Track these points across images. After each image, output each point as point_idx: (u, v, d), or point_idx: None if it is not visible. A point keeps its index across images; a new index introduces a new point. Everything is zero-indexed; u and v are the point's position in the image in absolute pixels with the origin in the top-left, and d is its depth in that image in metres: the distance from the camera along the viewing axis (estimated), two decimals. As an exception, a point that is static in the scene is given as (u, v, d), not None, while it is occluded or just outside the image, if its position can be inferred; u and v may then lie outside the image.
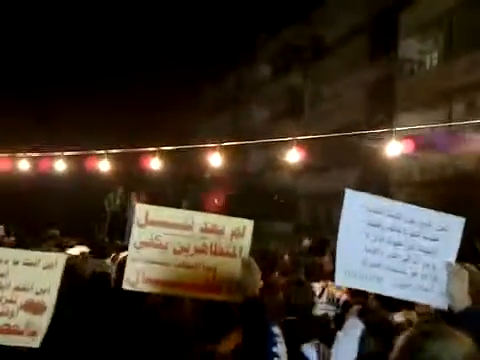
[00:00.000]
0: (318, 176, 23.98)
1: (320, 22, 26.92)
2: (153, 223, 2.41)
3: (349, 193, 2.27)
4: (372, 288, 2.28)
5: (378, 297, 3.50)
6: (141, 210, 2.42)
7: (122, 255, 4.95)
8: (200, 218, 2.43)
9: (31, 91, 20.82)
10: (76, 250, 6.84)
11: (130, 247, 2.38)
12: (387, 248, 2.23)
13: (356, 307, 3.14)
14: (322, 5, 26.56)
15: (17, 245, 8.05)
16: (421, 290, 2.23)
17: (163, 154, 8.67)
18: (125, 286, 2.36)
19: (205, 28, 27.65)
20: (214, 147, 7.97)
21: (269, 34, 30.91)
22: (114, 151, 9.35)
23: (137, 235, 2.40)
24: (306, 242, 15.60)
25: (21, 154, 10.66)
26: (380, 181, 21.02)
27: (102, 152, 9.43)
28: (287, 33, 29.42)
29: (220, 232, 2.40)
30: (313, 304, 3.66)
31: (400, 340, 1.74)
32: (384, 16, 22.91)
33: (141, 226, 2.40)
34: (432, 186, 19.03)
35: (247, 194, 23.41)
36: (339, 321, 3.78)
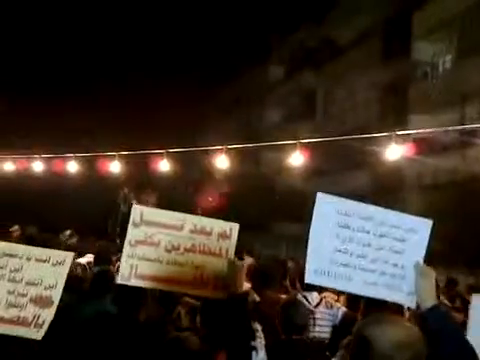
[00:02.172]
0: (328, 179, 24.01)
1: (333, 23, 26.95)
2: (147, 223, 2.60)
3: (320, 196, 2.39)
4: (341, 286, 2.36)
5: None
6: (136, 211, 2.62)
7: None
8: (190, 220, 2.61)
9: (43, 94, 21.16)
10: (85, 259, 6.97)
11: (125, 244, 2.58)
12: (357, 248, 2.33)
13: (346, 341, 3.16)
14: (335, 6, 26.61)
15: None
16: (389, 289, 2.31)
17: (170, 156, 8.85)
18: (119, 281, 2.55)
19: (218, 28, 27.83)
20: (221, 149, 8.12)
21: (282, 35, 31.01)
22: (124, 153, 9.56)
23: (132, 234, 2.59)
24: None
25: (36, 156, 10.92)
26: (390, 184, 21.04)
27: (113, 154, 9.65)
28: (300, 34, 29.48)
29: (208, 233, 2.59)
30: (307, 326, 3.74)
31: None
32: (397, 18, 22.87)
33: (136, 225, 2.60)
34: (443, 189, 19.01)
35: (254, 195, 23.52)
36: (333, 344, 3.79)
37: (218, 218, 2.57)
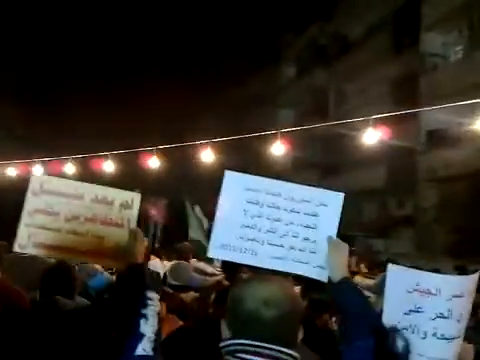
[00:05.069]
0: (345, 173, 23.78)
1: (342, 19, 26.74)
2: (47, 192, 2.56)
3: (228, 174, 2.37)
4: (246, 260, 2.32)
5: None
6: (36, 181, 2.58)
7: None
8: (91, 189, 2.56)
9: (46, 99, 21.49)
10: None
11: (24, 213, 2.53)
12: (265, 224, 2.31)
13: None
14: (344, 2, 26.39)
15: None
16: (297, 262, 2.30)
17: (161, 152, 8.83)
18: (16, 249, 2.51)
19: (228, 28, 27.92)
20: (206, 143, 8.09)
21: (292, 33, 30.89)
22: (116, 152, 9.59)
23: (31, 203, 2.55)
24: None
25: (35, 159, 11.03)
26: (406, 176, 20.79)
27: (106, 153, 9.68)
28: (310, 32, 29.32)
29: (110, 203, 2.54)
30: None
31: None
32: (405, 10, 22.60)
33: (35, 195, 2.55)
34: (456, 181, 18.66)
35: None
36: None
37: None
